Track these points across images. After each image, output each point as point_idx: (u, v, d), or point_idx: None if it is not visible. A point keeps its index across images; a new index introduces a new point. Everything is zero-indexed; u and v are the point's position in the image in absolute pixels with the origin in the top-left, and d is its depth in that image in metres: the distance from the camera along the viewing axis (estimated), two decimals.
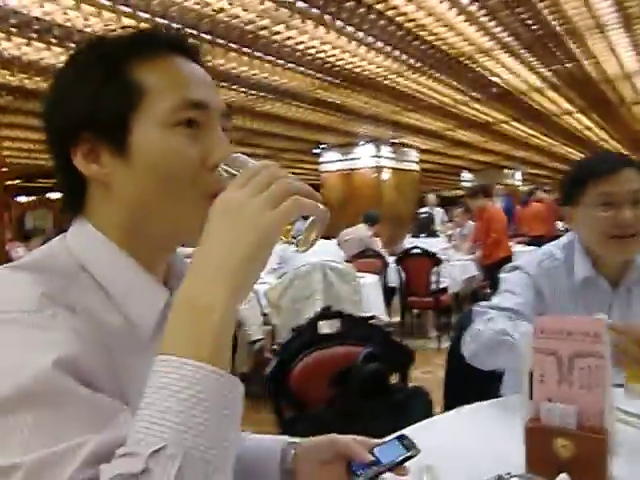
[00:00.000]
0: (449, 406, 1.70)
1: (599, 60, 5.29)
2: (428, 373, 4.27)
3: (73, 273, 0.62)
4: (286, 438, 0.87)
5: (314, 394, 1.54)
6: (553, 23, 4.31)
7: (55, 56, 4.44)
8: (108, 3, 3.53)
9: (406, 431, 1.17)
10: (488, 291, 5.91)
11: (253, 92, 5.84)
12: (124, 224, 0.65)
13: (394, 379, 1.65)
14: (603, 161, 1.47)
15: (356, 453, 0.77)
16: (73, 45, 4.19)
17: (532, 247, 7.15)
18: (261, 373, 1.70)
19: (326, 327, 1.62)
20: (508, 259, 5.80)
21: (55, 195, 11.37)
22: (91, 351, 0.54)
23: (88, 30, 3.91)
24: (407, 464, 0.75)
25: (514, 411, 0.97)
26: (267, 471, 0.82)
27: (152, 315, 0.64)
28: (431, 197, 8.88)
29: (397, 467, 0.73)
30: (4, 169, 8.63)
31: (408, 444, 0.76)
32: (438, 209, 8.75)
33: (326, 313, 1.62)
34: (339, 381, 1.50)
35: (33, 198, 14.22)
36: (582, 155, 12.65)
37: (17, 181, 12.25)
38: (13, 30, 3.87)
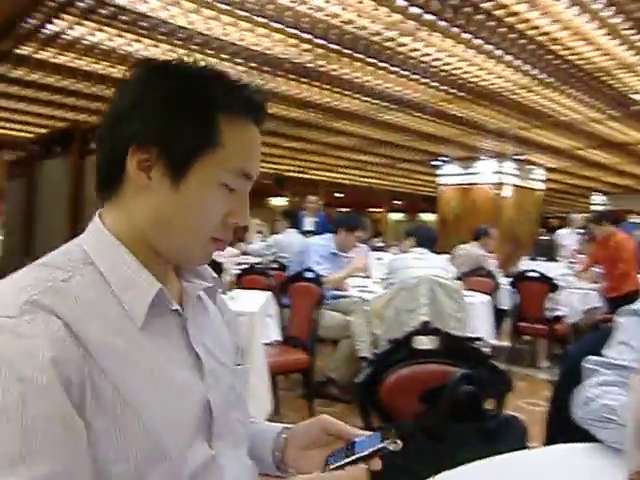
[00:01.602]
0: (549, 442, 1.62)
1: None
2: (533, 405, 4.04)
3: (79, 266, 0.68)
4: (282, 425, 0.88)
5: (403, 408, 1.54)
6: None
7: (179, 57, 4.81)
8: (243, 14, 3.77)
9: (493, 460, 1.14)
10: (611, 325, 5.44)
11: (375, 101, 5.90)
12: (137, 228, 0.71)
13: (489, 405, 1.60)
14: None
15: (339, 430, 0.77)
16: (196, 47, 4.52)
17: None
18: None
19: (423, 342, 1.61)
20: (636, 293, 5.30)
21: None
22: (70, 354, 0.60)
23: (208, 33, 4.17)
24: None
25: (616, 459, 0.90)
26: (262, 457, 0.85)
27: (142, 307, 0.68)
28: (576, 217, 8.10)
29: (369, 458, 0.71)
30: None
31: (390, 438, 0.74)
32: (573, 232, 7.98)
33: (424, 328, 1.61)
34: (430, 398, 1.48)
35: None
36: None
37: None
38: (143, 32, 4.23)
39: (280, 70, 4.97)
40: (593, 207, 12.52)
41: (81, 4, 3.70)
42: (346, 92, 5.60)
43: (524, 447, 1.42)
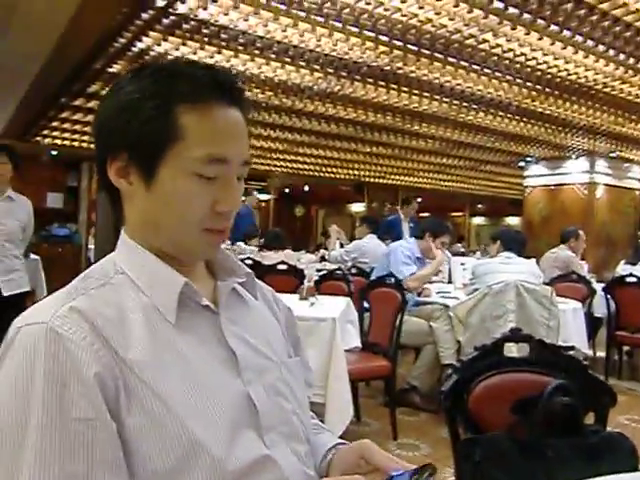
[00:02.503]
0: None
1: None
2: (635, 422, 3.75)
3: (110, 275, 0.72)
4: (337, 441, 0.86)
5: (493, 418, 1.46)
6: None
7: (274, 70, 4.92)
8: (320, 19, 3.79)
9: None
10: None
11: (456, 102, 5.75)
12: (142, 230, 0.75)
13: (589, 420, 1.48)
14: None
15: (377, 461, 0.75)
16: (289, 59, 4.60)
17: None
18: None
19: (513, 350, 1.52)
20: None
21: (263, 196, 12.47)
22: (101, 357, 0.63)
23: (285, 41, 4.22)
24: None
25: None
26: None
27: (171, 302, 0.70)
28: None
29: None
30: None
31: (427, 473, 0.68)
32: None
33: (515, 335, 1.52)
34: (523, 409, 1.39)
35: None
36: None
37: None
38: (224, 43, 4.33)
39: (357, 74, 4.95)
40: None
41: (166, 20, 3.88)
42: (425, 94, 5.49)
43: (634, 468, 1.30)
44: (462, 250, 9.03)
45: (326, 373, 2.66)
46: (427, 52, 4.35)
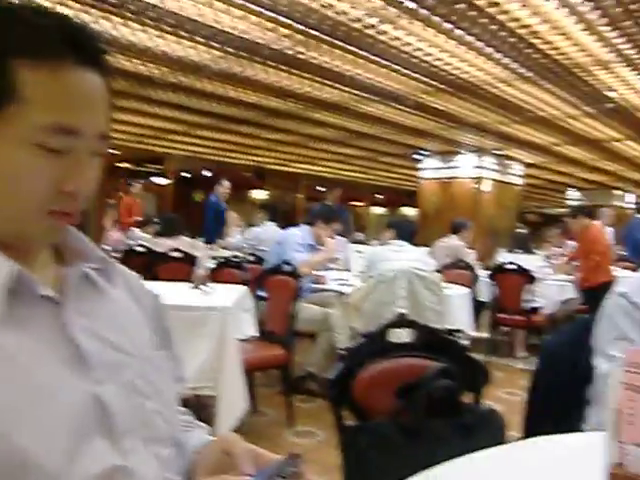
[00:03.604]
0: (528, 432, 1.59)
1: None
2: (511, 395, 4.06)
3: None
4: (207, 438, 0.80)
5: (379, 405, 1.48)
6: None
7: (168, 44, 4.68)
8: None
9: (473, 457, 1.09)
10: (586, 316, 5.49)
11: (356, 92, 5.83)
12: None
13: (467, 399, 1.55)
14: None
15: (238, 455, 0.69)
16: (187, 34, 4.39)
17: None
18: None
19: (399, 336, 1.55)
20: (609, 284, 5.34)
21: (160, 180, 12.00)
22: None
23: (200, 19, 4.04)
24: None
25: (596, 451, 0.86)
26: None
27: None
28: (605, 212, 7.87)
29: None
30: (115, 151, 9.29)
31: (293, 463, 0.67)
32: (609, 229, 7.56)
33: (399, 321, 1.55)
34: (405, 394, 1.42)
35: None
36: None
37: (125, 164, 12.97)
38: (131, 16, 4.08)
39: (258, 56, 4.85)
40: (568, 202, 12.67)
41: None
42: (327, 82, 5.51)
43: (503, 441, 1.38)
44: (361, 239, 9.25)
45: (218, 365, 2.59)
46: (328, 38, 4.35)
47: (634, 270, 6.98)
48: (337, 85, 5.60)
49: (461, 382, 1.47)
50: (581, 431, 1.47)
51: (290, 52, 4.69)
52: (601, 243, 5.48)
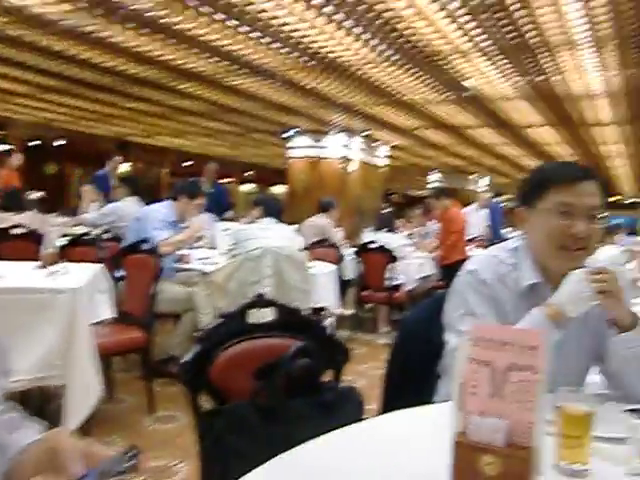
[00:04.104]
0: (386, 405, 1.63)
1: (567, 77, 5.29)
2: (375, 369, 4.22)
3: None
4: (33, 437, 0.74)
5: (238, 387, 1.42)
6: (528, 34, 4.24)
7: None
8: None
9: (332, 435, 1.08)
10: (443, 291, 5.92)
11: (224, 64, 5.61)
12: None
13: (328, 377, 1.54)
14: (567, 169, 1.42)
15: (66, 469, 0.64)
16: None
17: None
18: None
19: (259, 316, 1.50)
20: (464, 262, 5.82)
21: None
22: None
23: None
24: None
25: (445, 422, 0.88)
26: None
27: None
28: (483, 196, 8.11)
29: None
30: None
31: (130, 461, 0.64)
32: (479, 209, 7.72)
33: (258, 301, 1.50)
34: (265, 375, 1.38)
35: None
36: None
37: None
38: None
39: (115, 16, 4.45)
40: (429, 185, 13.52)
41: None
42: (193, 50, 5.24)
43: (361, 418, 1.40)
44: (230, 216, 9.06)
45: (67, 351, 2.37)
46: (193, 4, 4.11)
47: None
48: (204, 55, 5.35)
49: (321, 361, 1.46)
50: (433, 403, 1.54)
51: (152, 14, 4.36)
52: (458, 223, 5.91)
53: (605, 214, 1.39)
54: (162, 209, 3.80)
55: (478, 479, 0.81)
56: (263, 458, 0.96)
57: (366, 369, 4.06)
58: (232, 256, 3.60)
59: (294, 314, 1.52)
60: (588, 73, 5.13)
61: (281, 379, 1.37)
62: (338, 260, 5.19)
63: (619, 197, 17.25)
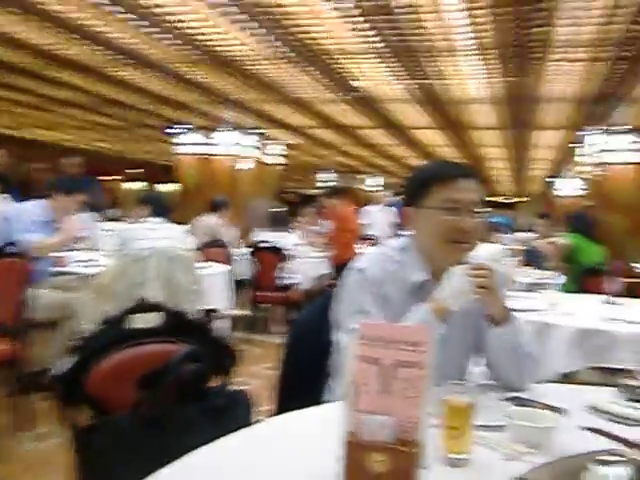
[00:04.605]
0: (280, 405, 1.61)
1: (451, 82, 5.60)
2: (271, 369, 4.19)
3: None
4: None
5: (121, 398, 1.32)
6: (415, 38, 4.43)
7: None
8: None
9: (222, 441, 1.04)
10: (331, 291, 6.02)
11: (108, 53, 5.28)
12: None
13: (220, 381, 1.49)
14: (450, 167, 1.48)
15: None
16: None
17: None
18: None
19: (143, 321, 1.40)
20: None
21: None
22: None
23: None
24: None
25: (338, 420, 0.88)
26: None
27: None
28: (382, 195, 8.32)
29: None
30: None
31: None
32: (383, 208, 7.97)
33: (141, 305, 1.40)
34: (149, 383, 1.29)
35: None
36: None
37: None
38: None
39: None
40: (323, 183, 13.74)
41: None
42: (73, 37, 4.86)
43: (250, 421, 1.36)
44: (115, 215, 8.59)
45: None
46: None
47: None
48: (85, 42, 4.99)
49: (209, 365, 1.40)
50: (326, 402, 1.53)
51: None
52: (351, 222, 6.03)
53: (485, 210, 1.46)
54: (35, 208, 3.48)
55: (368, 477, 0.81)
56: (150, 471, 0.91)
57: (261, 370, 4.02)
58: (118, 257, 3.39)
59: (180, 317, 1.45)
60: (471, 79, 5.46)
61: (167, 387, 1.29)
62: (232, 260, 5.10)
63: (499, 197, 18.70)
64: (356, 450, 0.83)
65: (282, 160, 10.08)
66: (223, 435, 1.08)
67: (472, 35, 4.26)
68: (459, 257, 1.40)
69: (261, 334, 5.47)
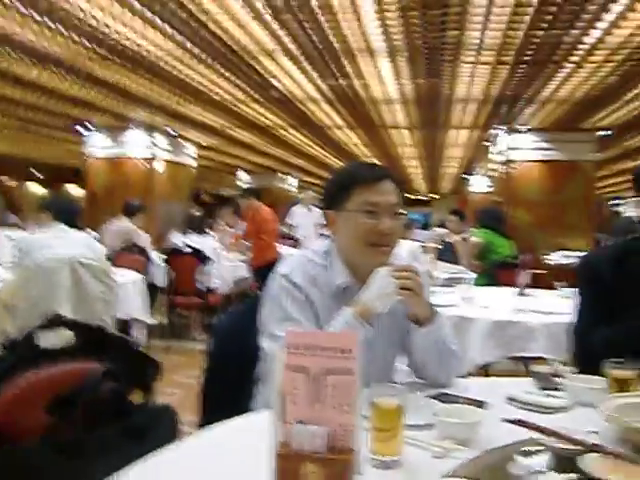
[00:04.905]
0: (204, 416, 1.56)
1: (367, 82, 5.71)
2: (192, 377, 4.07)
3: None
4: None
5: (28, 426, 1.21)
6: (331, 38, 4.46)
7: None
8: None
9: (145, 463, 0.97)
10: (254, 296, 5.96)
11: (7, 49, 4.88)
12: None
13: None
14: (368, 170, 1.48)
15: None
16: None
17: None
18: None
19: (52, 339, 1.30)
20: (276, 262, 5.94)
21: None
22: None
23: None
24: None
25: (264, 431, 0.86)
26: None
27: None
28: (307, 195, 8.19)
29: None
30: None
31: None
32: (309, 210, 7.94)
33: (52, 321, 1.30)
34: (60, 406, 1.20)
35: None
36: None
37: None
38: None
39: None
40: (239, 184, 13.59)
41: None
42: None
43: (177, 437, 1.30)
44: (15, 222, 8.02)
45: None
46: None
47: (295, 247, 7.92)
48: None
49: (128, 381, 1.33)
50: (252, 410, 1.50)
51: None
52: (269, 223, 5.97)
53: (404, 211, 1.49)
54: None
55: None
56: None
57: (183, 379, 3.90)
58: (19, 270, 3.14)
59: (94, 332, 1.36)
60: (386, 80, 5.59)
61: (81, 409, 1.21)
62: (146, 266, 4.91)
63: (414, 195, 19.38)
64: (288, 462, 0.81)
65: (197, 161, 9.85)
66: (148, 454, 1.02)
67: (384, 37, 4.36)
68: (380, 260, 1.40)
69: (180, 341, 5.31)
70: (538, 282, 3.48)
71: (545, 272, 4.74)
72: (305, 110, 7.06)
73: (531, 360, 2.97)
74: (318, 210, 7.42)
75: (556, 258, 6.31)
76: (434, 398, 1.30)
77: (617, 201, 14.21)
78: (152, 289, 4.96)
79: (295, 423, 0.83)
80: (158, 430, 1.31)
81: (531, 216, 7.38)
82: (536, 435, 1.01)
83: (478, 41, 4.31)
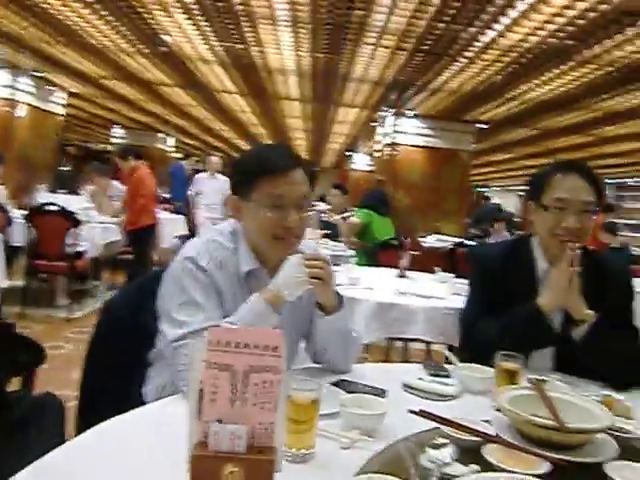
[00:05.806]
0: (88, 398, 1.44)
1: (265, 50, 5.56)
2: (57, 348, 3.77)
3: None
4: None
5: None
6: (233, 0, 4.26)
7: None
8: None
9: (40, 461, 0.86)
10: (130, 257, 5.66)
11: None
12: None
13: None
14: (277, 158, 1.39)
15: None
16: None
17: (178, 216, 7.21)
18: None
19: None
20: (152, 227, 5.67)
21: None
22: None
23: None
24: None
25: (158, 422, 0.80)
26: None
27: None
28: (214, 160, 7.52)
29: None
30: None
31: None
32: (214, 177, 7.31)
33: None
34: None
35: None
36: (234, 135, 13.47)
37: None
38: None
39: None
40: (113, 140, 12.67)
41: None
42: None
43: (63, 428, 1.19)
44: None
45: None
46: None
47: (174, 212, 7.59)
48: None
49: (4, 369, 1.18)
50: (142, 394, 1.43)
51: None
52: (147, 186, 5.63)
53: (312, 202, 1.47)
54: None
55: None
56: None
57: (48, 350, 3.61)
58: None
59: None
60: (283, 50, 5.46)
61: None
62: (5, 224, 4.42)
63: None
64: (207, 463, 0.78)
65: (66, 110, 8.97)
66: (30, 449, 0.91)
67: (289, 6, 4.25)
68: (285, 253, 1.37)
69: (41, 308, 4.89)
70: (415, 264, 3.67)
71: (421, 254, 5.02)
72: (195, 70, 6.72)
73: (409, 341, 3.16)
74: (224, 177, 7.06)
75: (431, 241, 6.69)
76: (335, 385, 1.32)
77: (484, 189, 15.54)
78: (10, 249, 4.49)
79: (215, 422, 0.80)
80: (42, 421, 1.19)
81: (411, 199, 7.76)
82: (440, 426, 1.06)
83: (382, 24, 4.38)
